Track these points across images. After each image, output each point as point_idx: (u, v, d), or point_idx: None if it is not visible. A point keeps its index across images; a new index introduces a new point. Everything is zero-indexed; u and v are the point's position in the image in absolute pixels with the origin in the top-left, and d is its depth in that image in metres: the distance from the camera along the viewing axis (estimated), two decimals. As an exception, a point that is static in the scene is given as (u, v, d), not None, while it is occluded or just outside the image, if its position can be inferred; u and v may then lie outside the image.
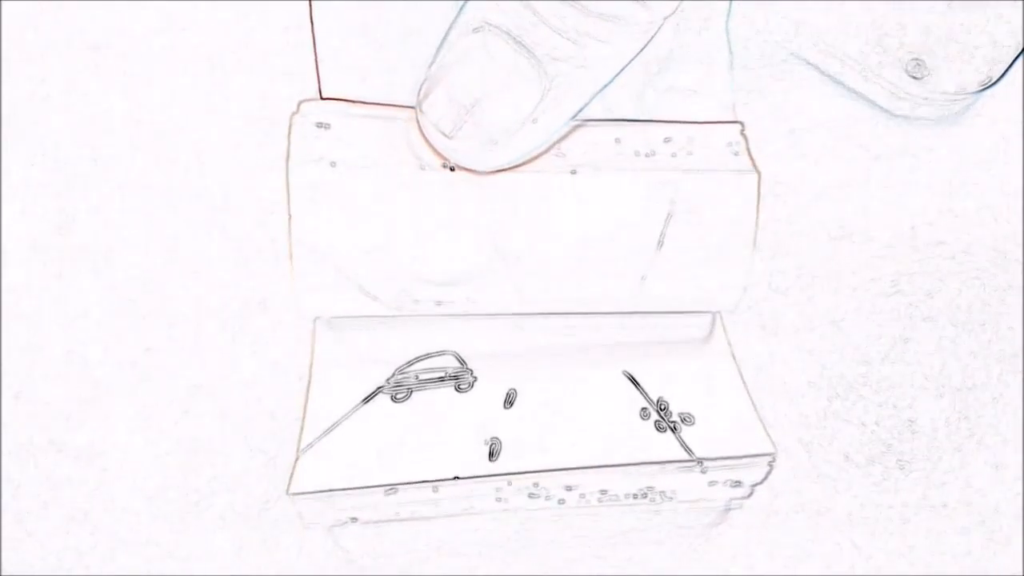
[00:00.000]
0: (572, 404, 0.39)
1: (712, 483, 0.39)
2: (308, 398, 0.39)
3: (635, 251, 0.38)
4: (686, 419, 0.39)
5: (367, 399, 0.39)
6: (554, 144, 0.37)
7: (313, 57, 0.37)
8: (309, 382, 0.39)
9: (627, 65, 0.36)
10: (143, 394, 0.39)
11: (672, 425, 0.39)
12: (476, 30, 0.35)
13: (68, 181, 0.38)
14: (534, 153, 0.37)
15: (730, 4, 0.38)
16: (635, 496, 0.39)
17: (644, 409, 0.39)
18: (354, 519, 0.39)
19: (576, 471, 0.38)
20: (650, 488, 0.39)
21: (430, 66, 0.36)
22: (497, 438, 0.39)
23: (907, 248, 0.40)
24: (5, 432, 0.38)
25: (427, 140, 0.36)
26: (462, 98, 0.35)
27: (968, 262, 0.41)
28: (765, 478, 0.40)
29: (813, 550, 0.41)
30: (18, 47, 0.37)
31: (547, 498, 0.39)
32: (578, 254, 0.38)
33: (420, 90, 0.36)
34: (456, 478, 0.38)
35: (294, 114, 0.37)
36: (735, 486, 0.40)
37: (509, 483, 0.38)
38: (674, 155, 0.38)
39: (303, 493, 0.38)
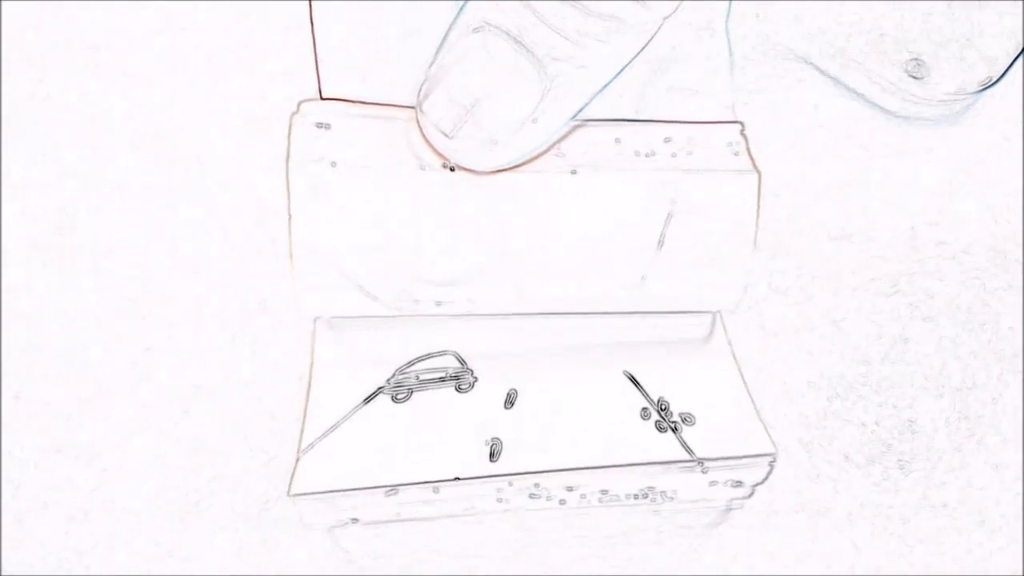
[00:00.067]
0: (573, 404, 0.39)
1: (713, 483, 0.39)
2: (308, 398, 0.39)
3: (635, 251, 0.38)
4: (687, 419, 0.39)
5: (368, 399, 0.39)
6: (554, 144, 0.37)
7: (313, 57, 0.37)
8: (309, 382, 0.39)
9: (627, 65, 0.36)
10: (143, 394, 0.39)
11: (673, 425, 0.39)
12: (476, 30, 0.35)
13: (68, 181, 0.38)
14: (534, 153, 0.37)
15: (730, 4, 0.38)
16: (636, 496, 0.39)
17: (645, 409, 0.39)
18: (355, 520, 0.39)
19: (577, 472, 0.38)
20: (651, 488, 0.39)
21: (430, 66, 0.36)
22: (498, 438, 0.39)
23: (907, 248, 0.40)
24: (5, 432, 0.38)
25: (427, 140, 0.36)
26: (462, 98, 0.35)
27: (968, 262, 0.41)
28: (766, 478, 0.40)
29: (813, 550, 0.41)
30: (18, 47, 0.37)
31: (548, 499, 0.39)
32: (578, 254, 0.38)
33: (420, 90, 0.36)
34: (457, 479, 0.38)
35: (294, 114, 0.37)
36: (736, 486, 0.40)
37: (510, 484, 0.38)
38: (674, 155, 0.38)
39: (304, 494, 0.38)
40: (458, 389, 0.39)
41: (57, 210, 0.38)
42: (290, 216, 0.37)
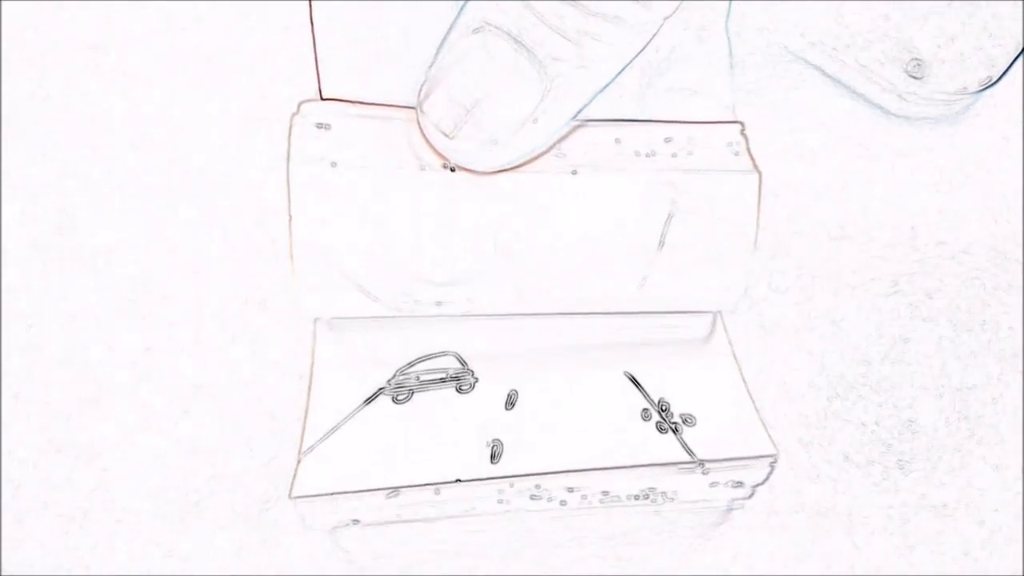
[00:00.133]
0: (573, 405, 0.39)
1: (713, 484, 0.39)
2: (309, 400, 0.39)
3: (635, 251, 0.38)
4: (687, 420, 0.39)
5: (368, 400, 0.39)
6: (554, 144, 0.37)
7: (313, 57, 0.37)
8: (310, 384, 0.39)
9: (627, 65, 0.36)
10: (143, 394, 0.39)
11: (673, 426, 0.39)
12: (476, 30, 0.35)
13: (68, 181, 0.38)
14: (534, 153, 0.37)
15: (730, 4, 0.38)
16: (637, 497, 0.39)
17: (645, 410, 0.39)
18: (356, 521, 0.39)
19: (578, 473, 0.38)
20: (652, 489, 0.39)
21: (430, 66, 0.36)
22: (499, 440, 0.39)
23: (907, 248, 0.40)
24: (5, 432, 0.38)
25: (427, 140, 0.36)
26: (462, 98, 0.35)
27: (968, 262, 0.41)
28: (767, 479, 0.40)
29: (813, 550, 0.41)
30: (18, 47, 0.37)
31: (549, 500, 0.39)
32: (578, 254, 0.38)
33: (420, 90, 0.36)
34: (458, 480, 0.38)
35: (294, 114, 0.37)
36: (736, 487, 0.40)
37: (511, 485, 0.38)
38: (674, 155, 0.38)
39: (306, 496, 0.38)
40: (459, 390, 0.39)
41: (57, 210, 0.38)
42: (290, 216, 0.37)
